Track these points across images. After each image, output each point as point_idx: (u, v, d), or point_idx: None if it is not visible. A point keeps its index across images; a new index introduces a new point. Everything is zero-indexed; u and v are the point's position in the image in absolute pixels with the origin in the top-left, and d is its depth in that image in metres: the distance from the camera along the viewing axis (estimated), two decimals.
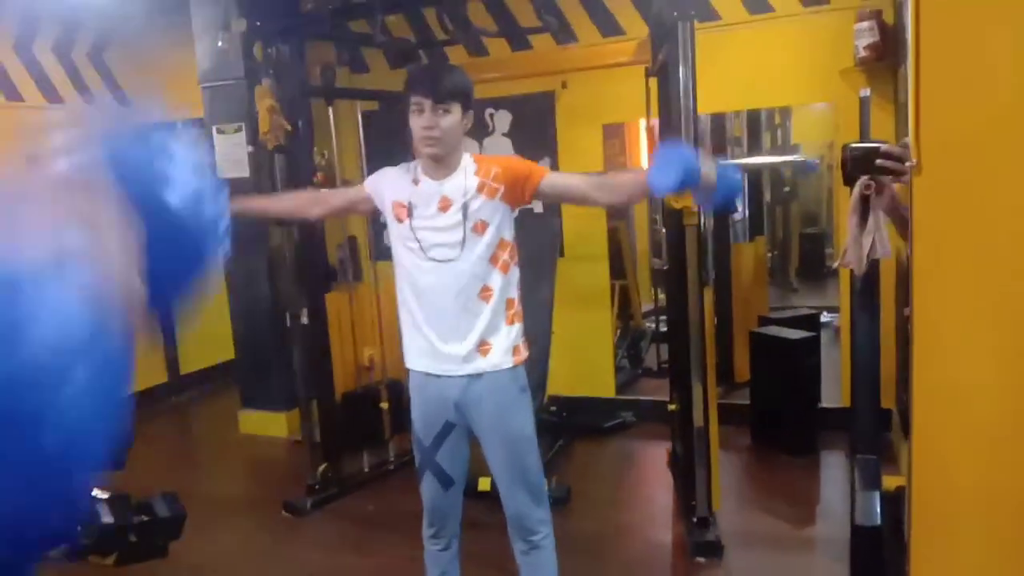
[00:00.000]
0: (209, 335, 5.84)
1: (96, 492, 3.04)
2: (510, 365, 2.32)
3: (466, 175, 2.27)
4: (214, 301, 5.37)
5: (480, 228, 2.25)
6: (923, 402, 1.37)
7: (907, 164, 1.62)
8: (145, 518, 3.03)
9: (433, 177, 2.29)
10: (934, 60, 1.14)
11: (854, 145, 1.90)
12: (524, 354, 2.36)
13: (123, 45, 5.70)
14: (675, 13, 3.05)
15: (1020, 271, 1.24)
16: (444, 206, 2.26)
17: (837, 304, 7.48)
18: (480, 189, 2.25)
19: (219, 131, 4.91)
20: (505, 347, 2.31)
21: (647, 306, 6.17)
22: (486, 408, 2.33)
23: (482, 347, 2.28)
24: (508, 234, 2.31)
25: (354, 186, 2.50)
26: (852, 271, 3.10)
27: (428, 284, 2.28)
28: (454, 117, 2.21)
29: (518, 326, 2.35)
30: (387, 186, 2.36)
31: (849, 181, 1.98)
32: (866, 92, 2.98)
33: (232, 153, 4.85)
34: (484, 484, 3.33)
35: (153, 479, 4.38)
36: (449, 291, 2.25)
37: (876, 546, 2.86)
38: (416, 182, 2.31)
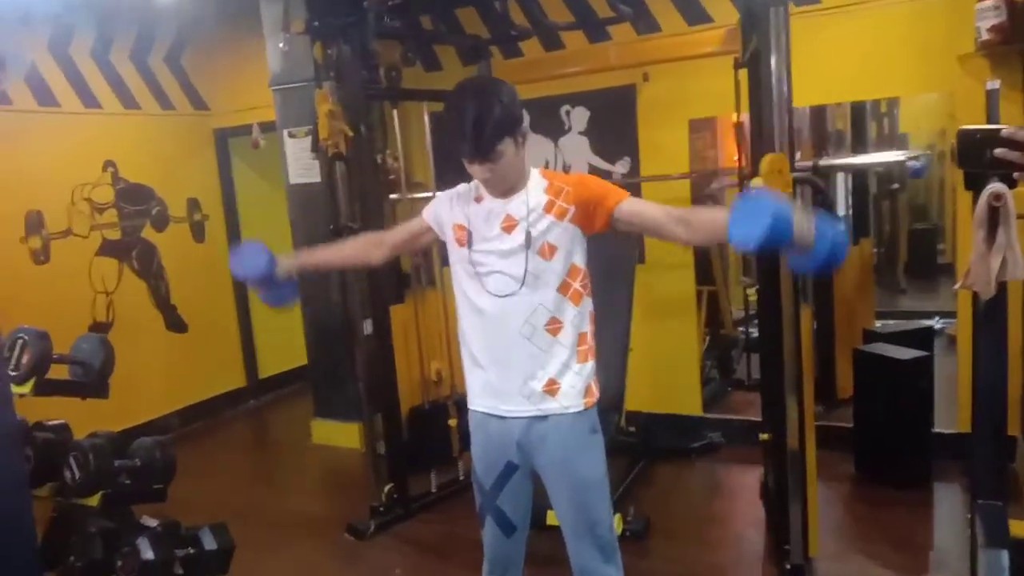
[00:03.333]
0: (287, 338, 5.78)
1: (145, 519, 2.89)
2: (580, 408, 2.07)
3: (531, 193, 2.03)
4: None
5: (548, 252, 1.99)
6: None
7: None
8: (191, 550, 2.88)
9: (497, 195, 2.06)
10: None
11: (970, 128, 1.54)
12: (596, 395, 2.11)
13: (199, 48, 5.68)
14: None
15: None
16: (508, 226, 2.02)
17: (950, 308, 6.90)
18: (548, 208, 2.00)
19: (290, 135, 4.81)
20: (576, 388, 2.06)
21: (738, 312, 5.76)
22: (551, 449, 2.09)
23: (550, 387, 2.04)
24: (580, 260, 2.05)
25: (413, 219, 2.28)
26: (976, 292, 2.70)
27: (488, 315, 2.05)
28: (507, 156, 1.96)
29: (591, 364, 2.10)
30: (445, 211, 2.15)
31: (965, 167, 1.65)
32: (994, 84, 2.55)
33: (303, 158, 4.74)
34: (553, 518, 3.07)
35: (223, 492, 4.31)
36: (512, 323, 2.02)
37: None
38: (479, 199, 2.09)
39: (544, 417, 2.06)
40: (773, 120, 2.74)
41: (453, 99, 1.96)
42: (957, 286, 2.52)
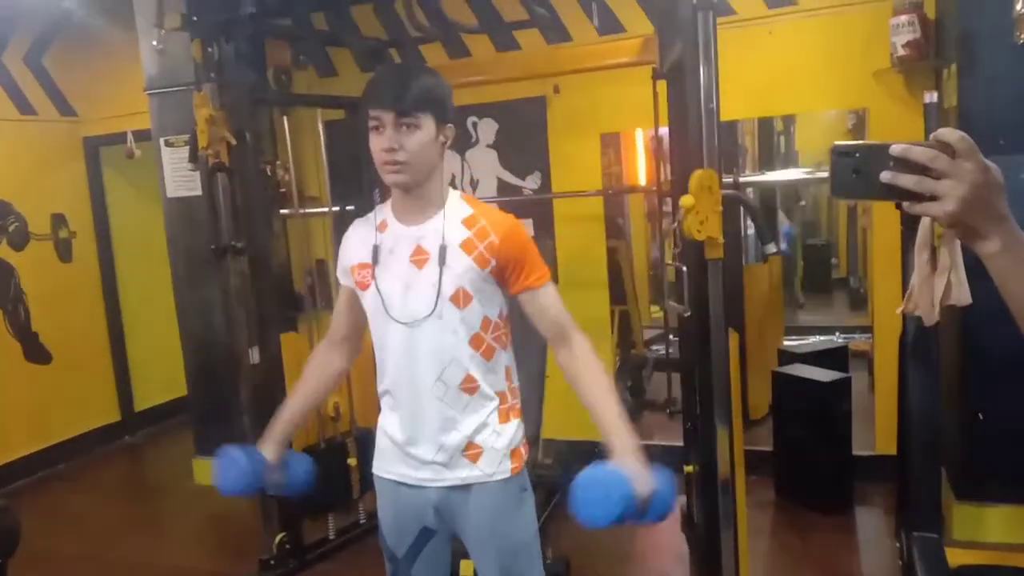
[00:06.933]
0: (166, 366, 5.27)
1: None
2: (506, 475, 1.77)
3: (448, 221, 1.71)
4: (167, 329, 4.80)
5: (461, 299, 1.69)
6: None
7: (945, 184, 0.86)
8: None
9: (405, 220, 1.74)
10: None
11: (847, 145, 0.93)
12: (525, 456, 1.82)
13: (65, 47, 5.13)
14: (694, 1, 2.51)
15: None
16: (419, 259, 1.71)
17: (849, 323, 7.04)
18: (467, 248, 1.69)
19: (167, 144, 4.36)
20: (500, 451, 1.76)
21: (648, 331, 5.63)
22: (476, 516, 1.79)
23: (469, 450, 1.74)
24: (494, 312, 1.75)
25: (341, 292, 1.91)
26: (906, 315, 2.58)
27: (397, 358, 1.74)
28: (424, 133, 1.64)
29: (516, 423, 1.80)
30: (348, 256, 1.82)
31: (841, 195, 1.01)
32: (932, 97, 2.45)
33: (181, 169, 4.29)
34: (467, 569, 2.79)
35: (91, 544, 3.80)
36: (423, 375, 1.71)
37: None
38: (383, 227, 1.76)
39: (466, 487, 1.76)
40: (701, 134, 2.55)
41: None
42: (899, 310, 2.40)
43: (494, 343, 1.75)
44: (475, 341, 1.72)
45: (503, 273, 1.72)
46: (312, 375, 1.97)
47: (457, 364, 1.71)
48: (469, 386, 1.72)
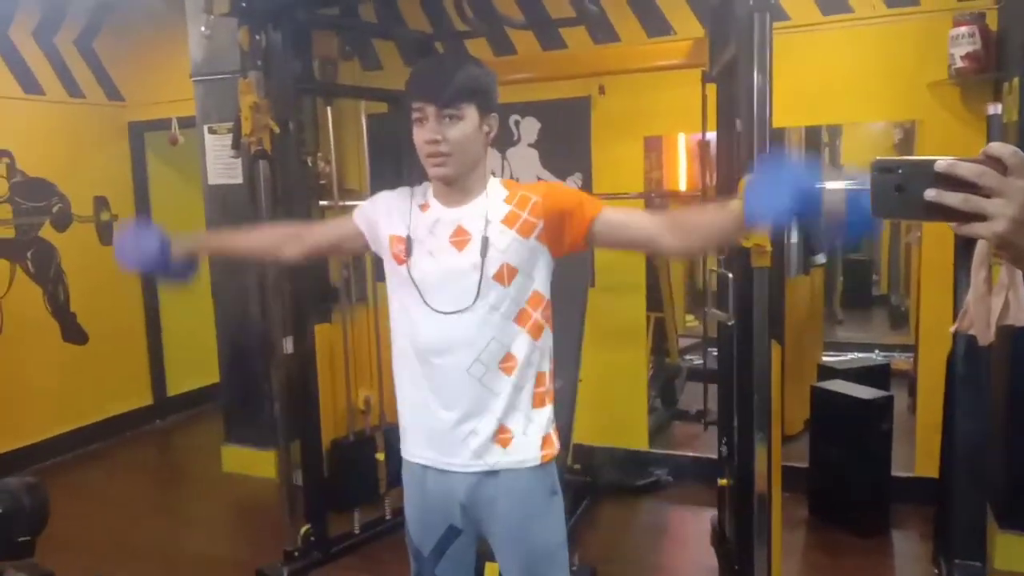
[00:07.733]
0: (200, 352, 5.29)
1: (9, 573, 2.38)
2: (537, 462, 1.73)
3: (490, 201, 1.69)
4: (203, 315, 4.83)
5: (506, 276, 1.66)
6: None
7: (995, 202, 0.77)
8: None
9: (447, 203, 1.71)
10: None
11: (890, 160, 0.84)
12: (556, 445, 1.78)
13: (115, 32, 5.19)
14: (751, 2, 2.45)
15: None
16: (459, 241, 1.68)
17: (888, 341, 6.89)
18: (510, 222, 1.67)
19: (211, 131, 4.38)
20: (532, 437, 1.72)
21: (683, 340, 5.55)
22: (503, 515, 1.75)
23: (500, 435, 1.70)
24: (542, 286, 1.72)
25: (342, 218, 1.92)
26: (957, 334, 2.50)
27: (431, 344, 1.70)
28: (467, 124, 1.62)
29: (549, 409, 1.76)
30: (382, 217, 1.78)
31: (882, 214, 0.85)
32: (996, 109, 2.36)
33: (223, 156, 4.31)
34: (492, 572, 2.74)
35: (117, 526, 3.81)
36: (459, 357, 1.68)
37: None
38: (423, 207, 1.74)
39: (495, 473, 1.72)
40: (752, 139, 2.49)
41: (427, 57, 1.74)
42: (953, 328, 2.31)
43: (543, 321, 1.73)
44: (521, 317, 1.69)
45: (558, 225, 1.67)
46: (261, 237, 2.05)
47: (498, 343, 1.67)
48: (508, 364, 1.68)
